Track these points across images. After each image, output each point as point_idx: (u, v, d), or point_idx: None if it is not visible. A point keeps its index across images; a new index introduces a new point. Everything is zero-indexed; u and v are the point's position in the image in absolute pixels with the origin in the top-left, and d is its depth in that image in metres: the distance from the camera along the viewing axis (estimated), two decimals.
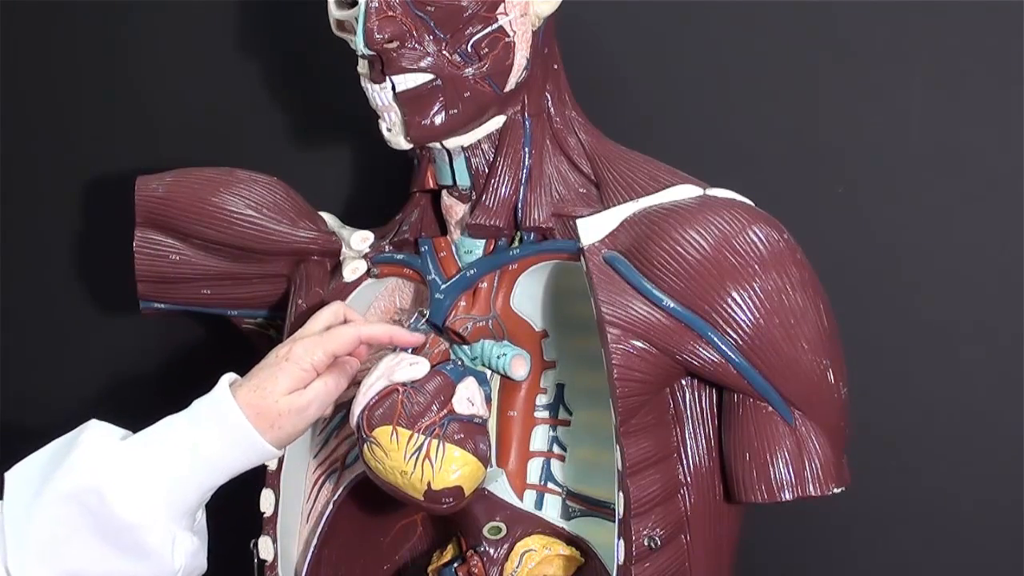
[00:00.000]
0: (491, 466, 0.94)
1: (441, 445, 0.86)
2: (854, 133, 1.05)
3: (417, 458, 0.86)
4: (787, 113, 1.07)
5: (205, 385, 1.31)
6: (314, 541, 1.00)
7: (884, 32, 1.03)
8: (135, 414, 1.33)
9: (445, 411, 0.87)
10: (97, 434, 0.84)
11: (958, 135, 1.02)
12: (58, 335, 1.37)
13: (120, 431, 0.85)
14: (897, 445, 1.06)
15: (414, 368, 0.89)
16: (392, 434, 0.86)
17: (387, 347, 0.93)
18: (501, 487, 0.95)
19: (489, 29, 0.89)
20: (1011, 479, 1.03)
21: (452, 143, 0.94)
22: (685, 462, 0.91)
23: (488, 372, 0.95)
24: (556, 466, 0.96)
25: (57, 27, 1.33)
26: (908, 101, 1.03)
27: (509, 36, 0.90)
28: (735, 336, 0.86)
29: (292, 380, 0.85)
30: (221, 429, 0.84)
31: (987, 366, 1.03)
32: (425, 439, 0.86)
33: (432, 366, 0.90)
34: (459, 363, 0.94)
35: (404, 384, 0.88)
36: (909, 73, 1.03)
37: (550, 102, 0.96)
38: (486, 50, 0.90)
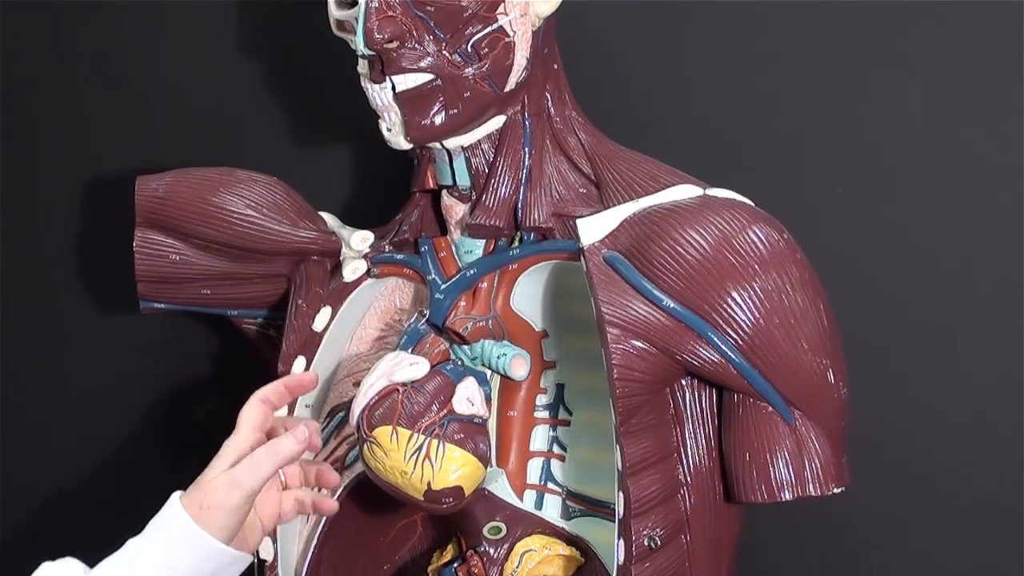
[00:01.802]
0: (491, 466, 0.94)
1: (441, 445, 0.86)
2: (854, 134, 1.05)
3: (417, 458, 0.86)
4: (787, 113, 1.07)
5: (205, 385, 1.31)
6: (314, 541, 1.00)
7: (884, 32, 1.03)
8: (135, 414, 1.34)
9: (445, 411, 0.87)
10: None
11: (958, 135, 1.02)
12: (58, 335, 1.37)
13: (77, 567, 0.81)
14: (897, 445, 1.06)
15: (414, 368, 0.89)
16: (392, 434, 0.86)
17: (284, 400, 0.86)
18: (501, 487, 0.95)
19: (489, 29, 0.89)
20: (1011, 479, 1.03)
21: (452, 143, 0.94)
22: (685, 462, 0.91)
23: (488, 372, 0.95)
24: (556, 466, 0.96)
25: (57, 27, 1.33)
26: (908, 101, 1.03)
27: (509, 36, 0.90)
28: (735, 336, 0.86)
29: (226, 461, 0.80)
30: (163, 531, 0.79)
31: (987, 366, 1.03)
32: (425, 439, 0.86)
33: (432, 366, 0.90)
34: (459, 363, 0.94)
35: (404, 384, 0.88)
36: (909, 73, 1.03)
37: (550, 102, 0.96)
38: (486, 50, 0.90)
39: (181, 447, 1.30)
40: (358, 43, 0.87)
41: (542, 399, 0.96)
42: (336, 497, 1.00)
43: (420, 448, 0.86)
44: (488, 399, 0.92)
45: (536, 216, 0.94)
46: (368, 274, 1.01)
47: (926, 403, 1.05)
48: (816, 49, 1.06)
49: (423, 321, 0.95)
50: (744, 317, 0.85)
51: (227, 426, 1.28)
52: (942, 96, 1.02)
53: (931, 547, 1.06)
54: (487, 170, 0.95)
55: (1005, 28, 1.00)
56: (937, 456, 1.05)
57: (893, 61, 1.03)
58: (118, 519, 1.33)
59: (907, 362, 1.05)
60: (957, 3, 1.01)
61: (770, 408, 0.88)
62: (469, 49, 0.89)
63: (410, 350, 0.93)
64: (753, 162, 1.07)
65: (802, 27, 1.06)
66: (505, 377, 0.95)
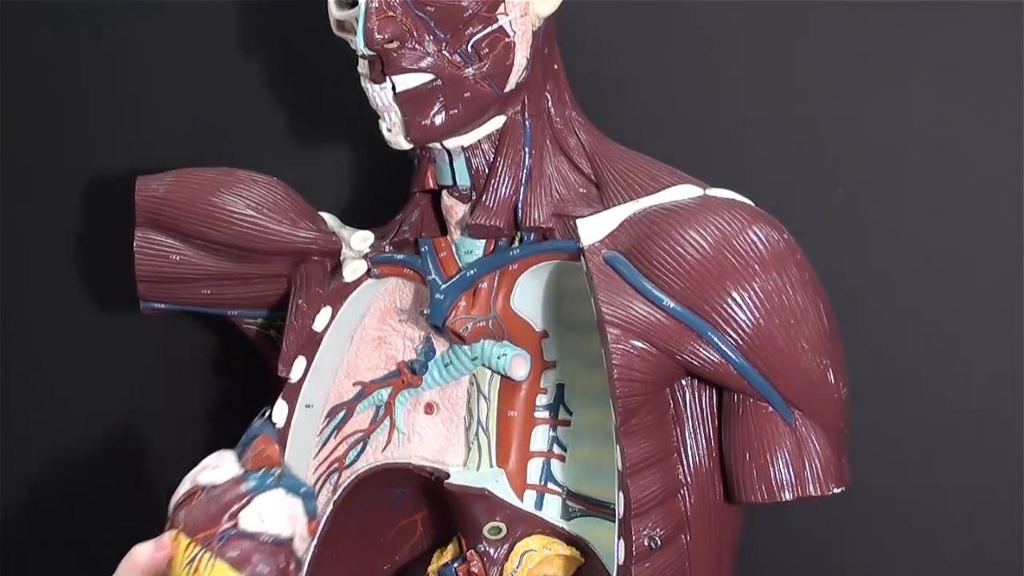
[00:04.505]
0: (491, 466, 0.94)
1: (212, 560, 0.77)
2: (854, 133, 1.04)
3: (189, 570, 0.77)
4: (787, 113, 1.06)
5: (205, 385, 1.29)
6: (314, 541, 1.00)
7: (885, 32, 1.03)
8: (134, 414, 1.33)
9: (230, 524, 0.78)
10: None
11: (958, 135, 1.01)
12: (58, 335, 1.36)
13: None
14: (897, 445, 1.06)
15: (216, 472, 0.80)
16: (177, 539, 0.78)
17: None
18: (501, 487, 0.94)
19: (489, 29, 0.89)
20: (1011, 479, 1.03)
21: (452, 143, 0.93)
22: (685, 462, 0.91)
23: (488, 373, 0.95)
24: (556, 466, 0.96)
25: (57, 27, 1.33)
26: (908, 101, 1.03)
27: (509, 36, 0.90)
28: (735, 336, 0.86)
29: None
30: None
31: (987, 366, 1.03)
32: (199, 551, 0.77)
33: (247, 470, 0.80)
34: (278, 474, 0.80)
35: (203, 487, 0.79)
36: (909, 73, 1.03)
37: (550, 102, 0.96)
38: (486, 50, 0.90)
39: (180, 447, 1.29)
40: (358, 43, 0.87)
41: (542, 399, 0.96)
42: (337, 496, 1.01)
43: (193, 560, 0.77)
44: (311, 514, 0.81)
45: (536, 216, 0.94)
46: (368, 274, 1.01)
47: (926, 403, 1.05)
48: (816, 49, 1.05)
49: (262, 420, 0.84)
50: (744, 317, 0.85)
51: (227, 425, 1.28)
52: (942, 96, 1.02)
53: (931, 547, 1.06)
54: (487, 170, 0.95)
55: (1005, 28, 0.99)
56: (937, 456, 1.05)
57: (893, 61, 1.03)
58: (117, 519, 1.33)
59: (907, 362, 1.05)
60: (957, 3, 1.00)
61: (770, 408, 0.88)
62: (469, 49, 0.89)
63: (240, 451, 0.83)
64: (752, 162, 1.07)
65: (802, 28, 1.06)
66: (505, 377, 0.95)
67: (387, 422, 1.00)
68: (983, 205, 1.02)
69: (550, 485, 0.96)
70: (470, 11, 0.88)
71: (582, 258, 0.90)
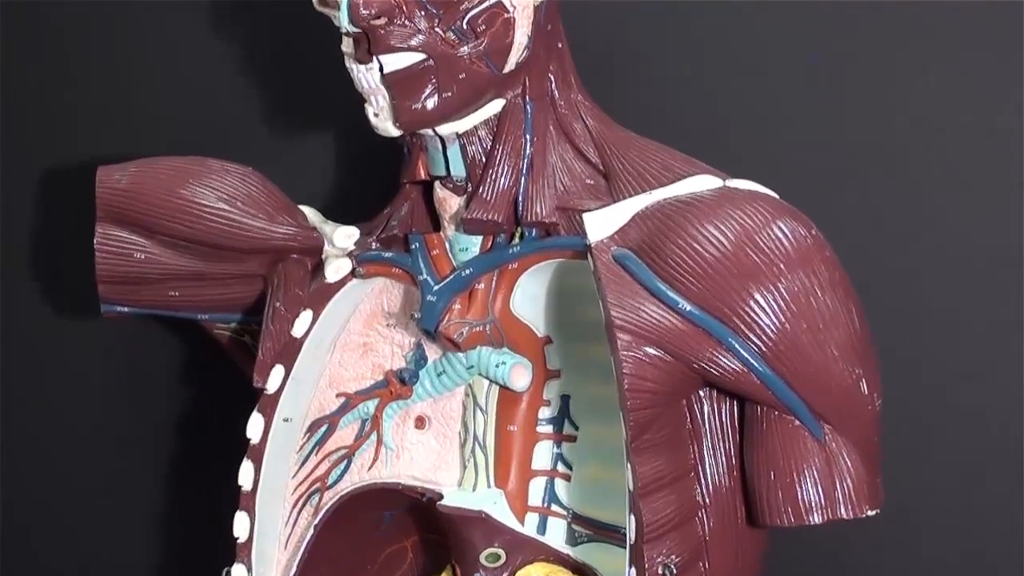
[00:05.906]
0: (489, 486, 0.92)
1: None
2: (874, 126, 1.05)
3: None
4: (808, 99, 1.06)
5: (173, 397, 1.27)
6: (293, 568, 0.98)
7: (895, 30, 1.03)
8: (96, 429, 1.31)
9: None
10: None
11: (961, 136, 1.02)
12: (58, 335, 1.35)
13: None
14: (897, 446, 1.02)
15: None
16: None
17: None
18: (500, 510, 0.92)
19: (486, 4, 0.87)
20: (1011, 480, 1.03)
21: (446, 129, 0.91)
22: (703, 482, 0.88)
23: (486, 383, 0.93)
24: (561, 486, 0.93)
25: (52, 26, 1.32)
26: (907, 100, 1.03)
27: (508, 12, 0.87)
28: (758, 342, 0.83)
29: None
30: None
31: (988, 366, 1.03)
32: None
33: None
34: None
35: None
36: (917, 73, 1.03)
37: (554, 84, 0.93)
38: (483, 27, 0.87)
39: (146, 463, 1.31)
40: (342, 19, 0.84)
41: (545, 412, 0.94)
42: (319, 519, 0.98)
43: None
44: None
45: (538, 210, 0.91)
46: (353, 274, 0.98)
47: (926, 402, 1.05)
48: (831, 41, 1.05)
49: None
50: (768, 321, 0.82)
51: (197, 441, 1.25)
52: (943, 96, 1.02)
53: (931, 548, 1.07)
54: (484, 159, 0.92)
55: (1005, 28, 1.00)
56: (938, 456, 1.05)
57: (904, 59, 1.04)
58: (90, 532, 1.30)
59: (906, 361, 1.04)
60: (958, 3, 1.01)
61: (797, 422, 0.85)
62: (464, 26, 0.86)
63: None
64: (776, 151, 1.06)
65: (816, 14, 1.06)
66: (504, 388, 0.93)
67: (374, 437, 0.98)
68: (984, 205, 1.02)
69: (554, 507, 0.93)
70: None
71: (589, 256, 0.87)
